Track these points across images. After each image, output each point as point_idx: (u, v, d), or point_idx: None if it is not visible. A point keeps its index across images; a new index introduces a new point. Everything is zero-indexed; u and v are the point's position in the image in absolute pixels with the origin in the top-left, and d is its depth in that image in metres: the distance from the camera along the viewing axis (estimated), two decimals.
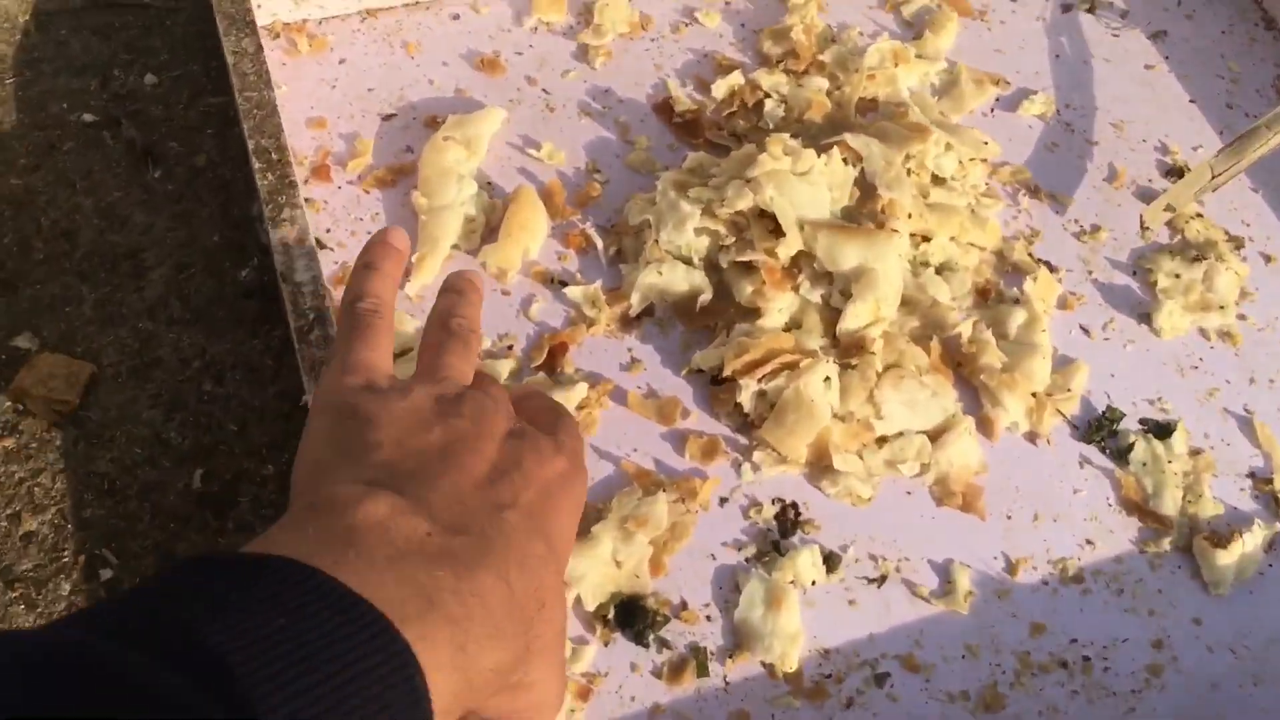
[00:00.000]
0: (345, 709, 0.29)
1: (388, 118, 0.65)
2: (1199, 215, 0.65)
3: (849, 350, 0.57)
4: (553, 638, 0.38)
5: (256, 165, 0.55)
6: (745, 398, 0.56)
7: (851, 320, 0.57)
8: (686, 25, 0.70)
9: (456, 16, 0.69)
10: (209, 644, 0.28)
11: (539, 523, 0.39)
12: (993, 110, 0.69)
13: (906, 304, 0.60)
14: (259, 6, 0.65)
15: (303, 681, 0.28)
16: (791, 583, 0.53)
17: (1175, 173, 0.67)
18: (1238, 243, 0.65)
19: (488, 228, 0.61)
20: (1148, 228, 0.63)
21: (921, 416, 0.57)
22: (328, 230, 0.60)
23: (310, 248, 0.53)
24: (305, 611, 0.30)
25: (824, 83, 0.67)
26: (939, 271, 0.62)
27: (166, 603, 0.29)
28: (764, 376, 0.56)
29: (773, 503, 0.55)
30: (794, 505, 0.55)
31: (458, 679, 0.32)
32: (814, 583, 0.53)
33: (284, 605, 0.30)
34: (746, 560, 0.54)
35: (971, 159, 0.64)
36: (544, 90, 0.67)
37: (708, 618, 0.52)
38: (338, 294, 0.58)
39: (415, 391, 0.41)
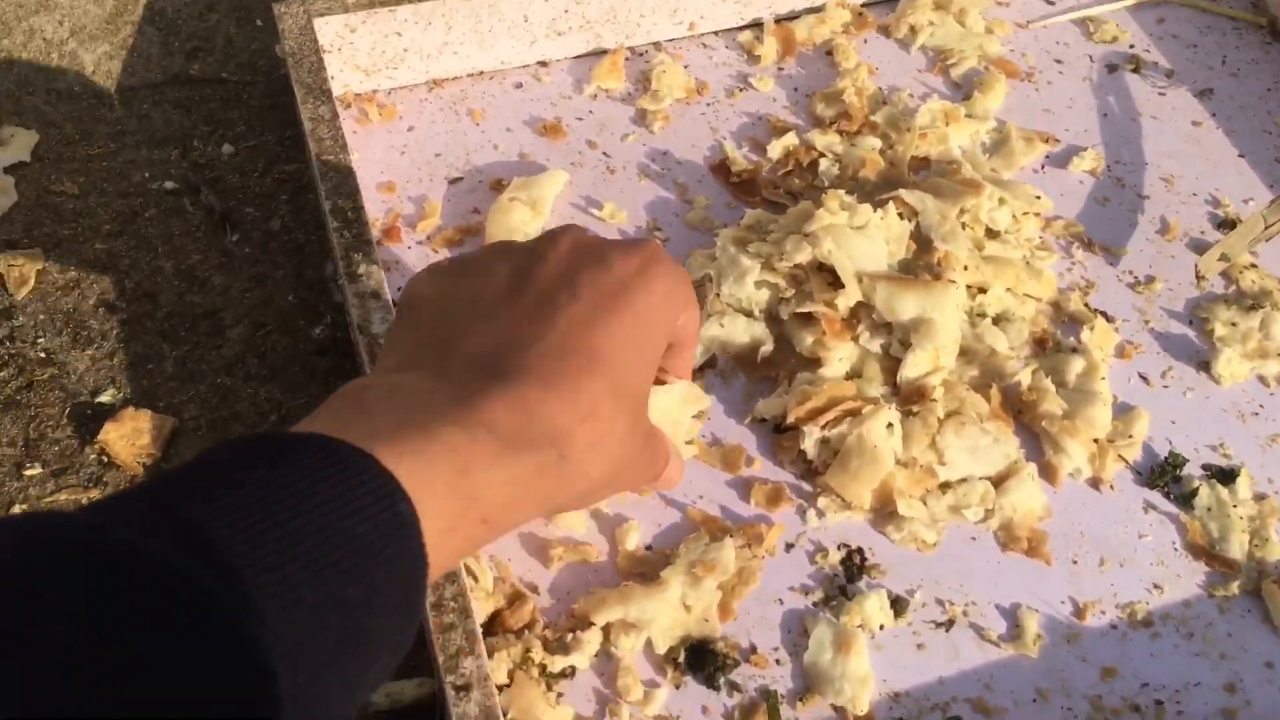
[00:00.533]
0: (318, 542, 0.31)
1: (454, 181, 0.67)
2: (1253, 265, 0.66)
3: (910, 398, 0.58)
4: (612, 438, 0.41)
5: (333, 224, 0.57)
6: (809, 444, 0.57)
7: (912, 369, 0.58)
8: (741, 90, 0.73)
9: (519, 85, 0.72)
10: (185, 510, 0.30)
11: (583, 337, 0.41)
12: (1043, 167, 0.71)
13: (965, 354, 0.61)
14: (333, 79, 0.68)
15: (283, 520, 0.31)
16: (860, 626, 0.53)
17: (1227, 224, 0.68)
18: None
19: None
20: (1203, 276, 0.64)
21: (984, 462, 0.57)
22: (399, 290, 0.62)
23: (385, 301, 0.55)
24: (290, 464, 0.32)
25: (877, 142, 0.69)
26: (996, 322, 0.63)
27: (161, 487, 0.32)
28: (827, 424, 0.57)
29: (838, 548, 0.56)
30: (859, 550, 0.56)
31: (456, 500, 0.36)
32: (882, 627, 0.54)
33: (271, 464, 0.32)
34: (814, 604, 0.54)
35: (1025, 213, 0.66)
36: (604, 153, 0.69)
37: (777, 661, 0.53)
38: None
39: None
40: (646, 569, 0.54)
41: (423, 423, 0.37)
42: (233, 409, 0.60)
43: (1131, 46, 0.77)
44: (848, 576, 0.55)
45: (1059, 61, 0.76)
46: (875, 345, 0.60)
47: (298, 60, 0.64)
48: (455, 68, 0.71)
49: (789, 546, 0.56)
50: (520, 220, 0.64)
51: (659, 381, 0.50)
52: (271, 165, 0.70)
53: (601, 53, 0.73)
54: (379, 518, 0.33)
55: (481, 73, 0.72)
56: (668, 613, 0.52)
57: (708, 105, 0.72)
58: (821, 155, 0.69)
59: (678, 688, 0.52)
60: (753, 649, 0.53)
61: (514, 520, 0.40)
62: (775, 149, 0.69)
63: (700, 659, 0.52)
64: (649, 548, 0.55)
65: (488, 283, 0.44)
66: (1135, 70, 0.76)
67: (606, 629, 0.52)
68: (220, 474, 0.32)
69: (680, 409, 0.53)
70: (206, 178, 0.68)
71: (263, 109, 0.72)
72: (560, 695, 0.51)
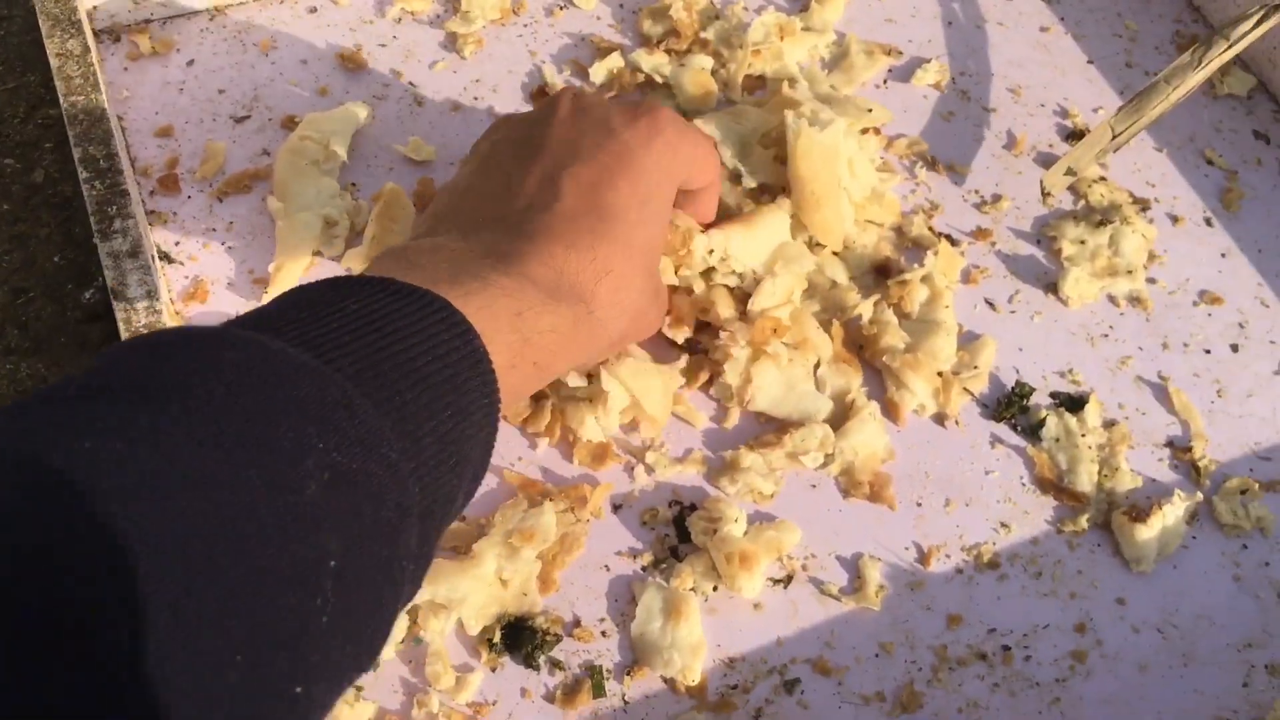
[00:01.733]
0: (415, 367, 0.35)
1: (241, 120, 0.60)
2: (1102, 179, 0.63)
3: (762, 333, 0.53)
4: (628, 294, 0.45)
5: (83, 175, 0.51)
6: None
7: (767, 298, 0.54)
8: (562, 9, 0.67)
9: (314, 10, 0.65)
10: (304, 324, 0.34)
11: (590, 198, 0.44)
12: (886, 82, 0.66)
13: (807, 287, 0.57)
14: (94, 8, 0.61)
15: (375, 345, 0.34)
16: (692, 589, 0.49)
17: (1076, 136, 0.65)
18: (1144, 204, 0.62)
19: (352, 232, 0.57)
20: (1049, 194, 0.60)
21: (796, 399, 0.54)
22: (177, 244, 0.56)
23: (145, 261, 0.49)
24: (374, 300, 0.36)
25: (708, 61, 0.64)
26: (835, 252, 0.58)
27: (280, 309, 0.36)
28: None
29: (670, 505, 0.52)
30: (692, 506, 0.52)
31: (516, 338, 0.39)
32: (715, 588, 0.50)
33: (358, 297, 0.36)
34: (643, 569, 0.50)
35: (863, 130, 0.61)
36: (410, 83, 0.63)
37: (603, 634, 0.48)
38: (189, 311, 0.54)
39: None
40: (458, 542, 0.50)
41: (475, 271, 0.40)
42: None
43: None
44: (679, 536, 0.51)
45: None
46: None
47: None
48: None
49: (616, 508, 0.51)
50: (312, 160, 0.57)
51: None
52: (34, 110, 0.62)
53: None
54: (459, 351, 0.36)
55: None
56: (481, 589, 0.48)
57: (525, 26, 0.66)
58: (649, 77, 0.64)
59: (494, 670, 0.47)
60: (576, 622, 0.49)
61: (556, 368, 0.43)
62: (598, 72, 0.63)
63: (517, 637, 0.48)
64: (461, 518, 0.51)
65: (495, 155, 0.47)
66: None
67: (413, 612, 0.47)
68: (312, 308, 0.35)
69: (663, 389, 0.52)
70: None
71: (23, 46, 0.64)
72: (359, 690, 0.46)
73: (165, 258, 0.55)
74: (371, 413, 0.32)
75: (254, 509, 0.28)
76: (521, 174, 0.45)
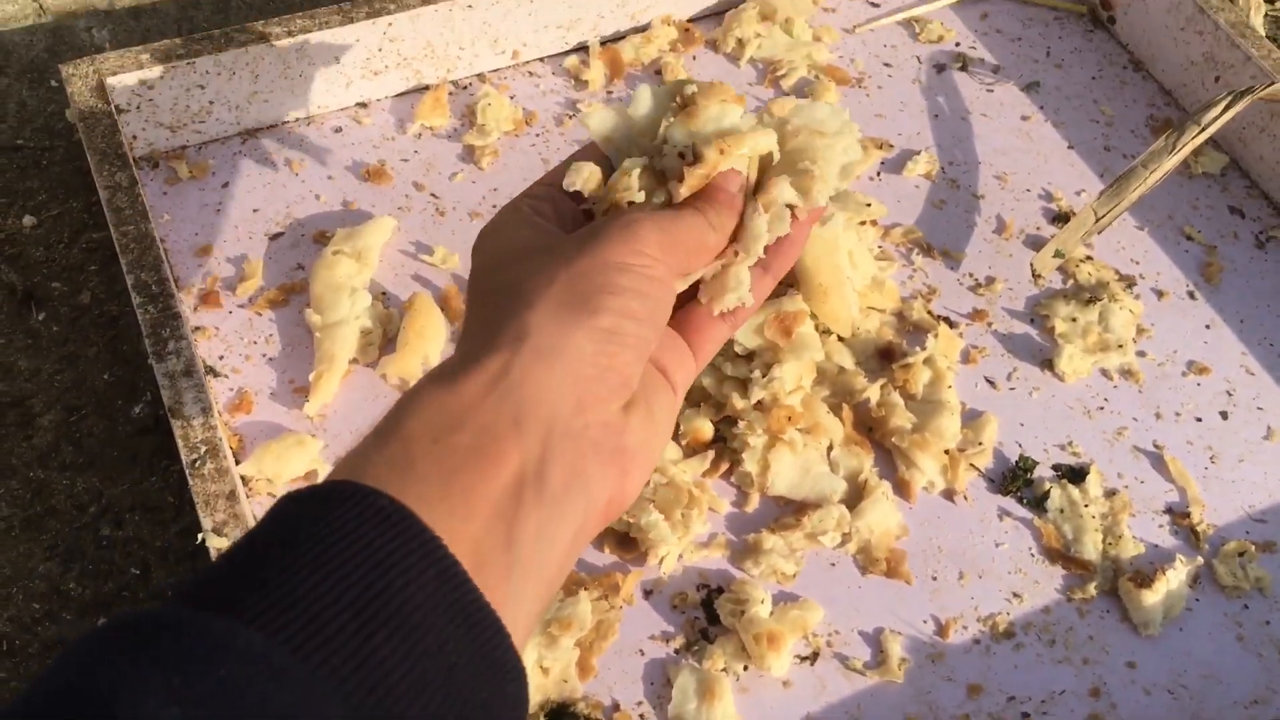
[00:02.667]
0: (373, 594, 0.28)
1: (275, 237, 0.64)
2: (1089, 258, 0.67)
3: (778, 421, 0.57)
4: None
5: (137, 300, 0.54)
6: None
7: (779, 384, 0.57)
8: (570, 117, 0.71)
9: (339, 129, 0.69)
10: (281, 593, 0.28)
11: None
12: (879, 174, 0.70)
13: (816, 373, 0.60)
14: (134, 138, 0.65)
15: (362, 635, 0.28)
16: (723, 670, 0.52)
17: (1061, 218, 0.68)
18: (1129, 281, 0.66)
19: (385, 339, 0.60)
20: (1039, 275, 0.64)
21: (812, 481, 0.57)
22: (220, 358, 0.59)
23: (199, 379, 0.52)
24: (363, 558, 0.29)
25: None
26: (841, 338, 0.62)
27: (260, 559, 0.29)
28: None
29: (698, 589, 0.54)
30: (719, 589, 0.54)
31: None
32: (746, 668, 0.52)
33: (349, 543, 0.29)
34: (676, 651, 0.53)
35: (861, 223, 0.65)
36: (433, 194, 0.67)
37: (641, 716, 0.51)
38: (235, 421, 0.57)
39: None
40: None
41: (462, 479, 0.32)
42: (48, 503, 0.56)
43: (957, 45, 0.77)
44: (709, 618, 0.54)
45: (888, 65, 0.75)
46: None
47: (90, 124, 0.60)
48: (268, 116, 0.67)
49: (647, 593, 0.54)
50: (345, 274, 0.61)
51: None
52: (78, 235, 0.65)
53: (423, 89, 0.71)
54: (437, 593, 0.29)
55: (297, 119, 0.69)
56: None
57: (537, 136, 0.70)
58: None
59: None
60: (615, 706, 0.51)
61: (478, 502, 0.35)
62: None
63: None
64: None
65: None
66: (963, 68, 0.76)
67: None
68: (296, 558, 0.29)
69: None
70: (6, 254, 0.64)
71: (65, 175, 0.68)
72: None
73: (211, 371, 0.58)
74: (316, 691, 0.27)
75: None
76: None
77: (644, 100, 0.43)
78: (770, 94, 0.73)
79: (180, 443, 0.50)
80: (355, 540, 0.29)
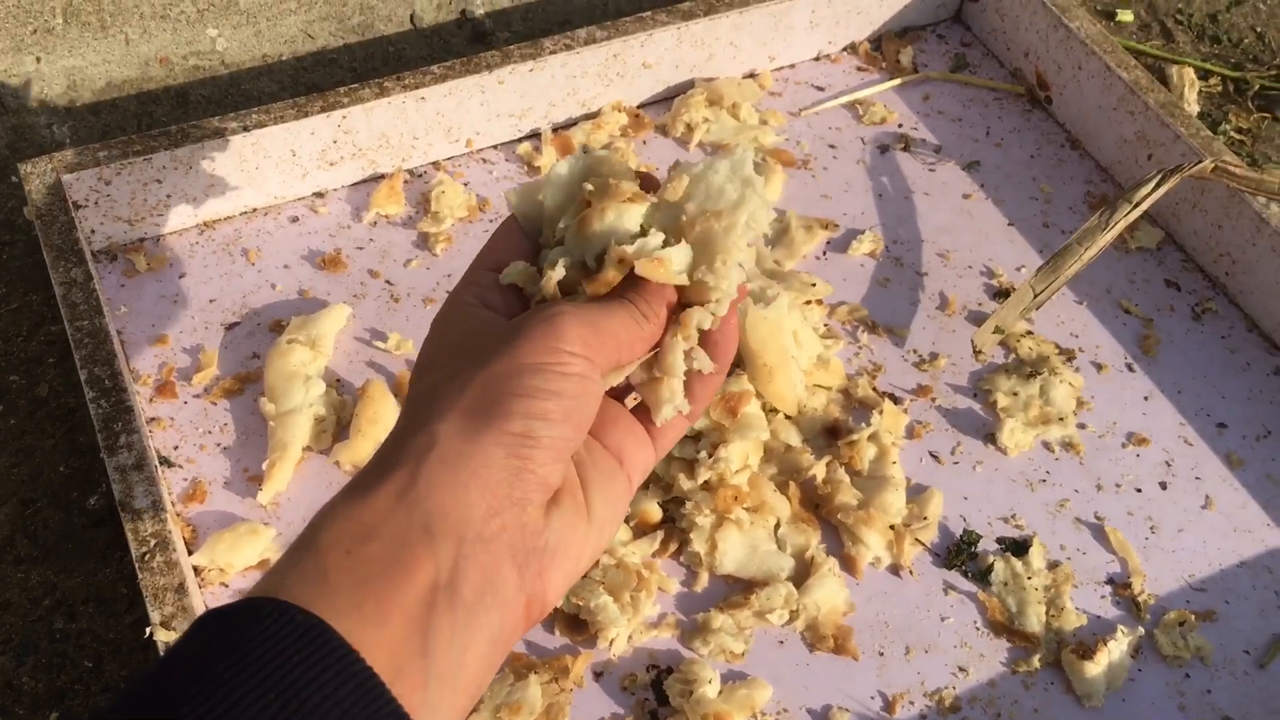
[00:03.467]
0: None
1: (231, 326, 0.65)
2: (1029, 333, 0.68)
3: (724, 501, 0.58)
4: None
5: (90, 394, 0.55)
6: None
7: (726, 463, 0.58)
8: None
9: (295, 219, 0.70)
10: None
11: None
12: (825, 253, 0.72)
13: (763, 451, 0.61)
14: (93, 232, 0.66)
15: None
16: None
17: (1002, 294, 0.70)
18: (1069, 355, 0.68)
19: (339, 426, 0.61)
20: (980, 351, 0.65)
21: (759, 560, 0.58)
22: (175, 447, 0.60)
23: (150, 473, 0.53)
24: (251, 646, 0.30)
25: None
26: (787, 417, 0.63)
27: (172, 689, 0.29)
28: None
29: (647, 670, 0.55)
30: (669, 669, 0.55)
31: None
32: None
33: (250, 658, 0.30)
34: None
35: (806, 302, 0.67)
36: (387, 281, 0.68)
37: None
38: (188, 511, 0.58)
39: None
40: None
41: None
42: (2, 597, 0.56)
43: (900, 126, 0.79)
44: (658, 699, 0.54)
45: (833, 147, 0.78)
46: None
47: (47, 221, 0.61)
48: (225, 208, 0.69)
49: (597, 675, 0.55)
50: (300, 362, 0.62)
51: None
52: (37, 328, 0.66)
53: (379, 177, 0.72)
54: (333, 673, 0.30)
55: (254, 209, 0.70)
56: None
57: (490, 222, 0.72)
58: None
59: None
60: None
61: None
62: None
63: None
64: None
65: None
66: (905, 149, 0.78)
67: None
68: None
69: None
70: None
71: (25, 268, 0.69)
72: None
73: (165, 462, 0.59)
74: None
75: None
76: None
77: (557, 182, 0.42)
78: None
79: (130, 536, 0.51)
80: (274, 655, 0.29)
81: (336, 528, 0.33)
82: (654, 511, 0.59)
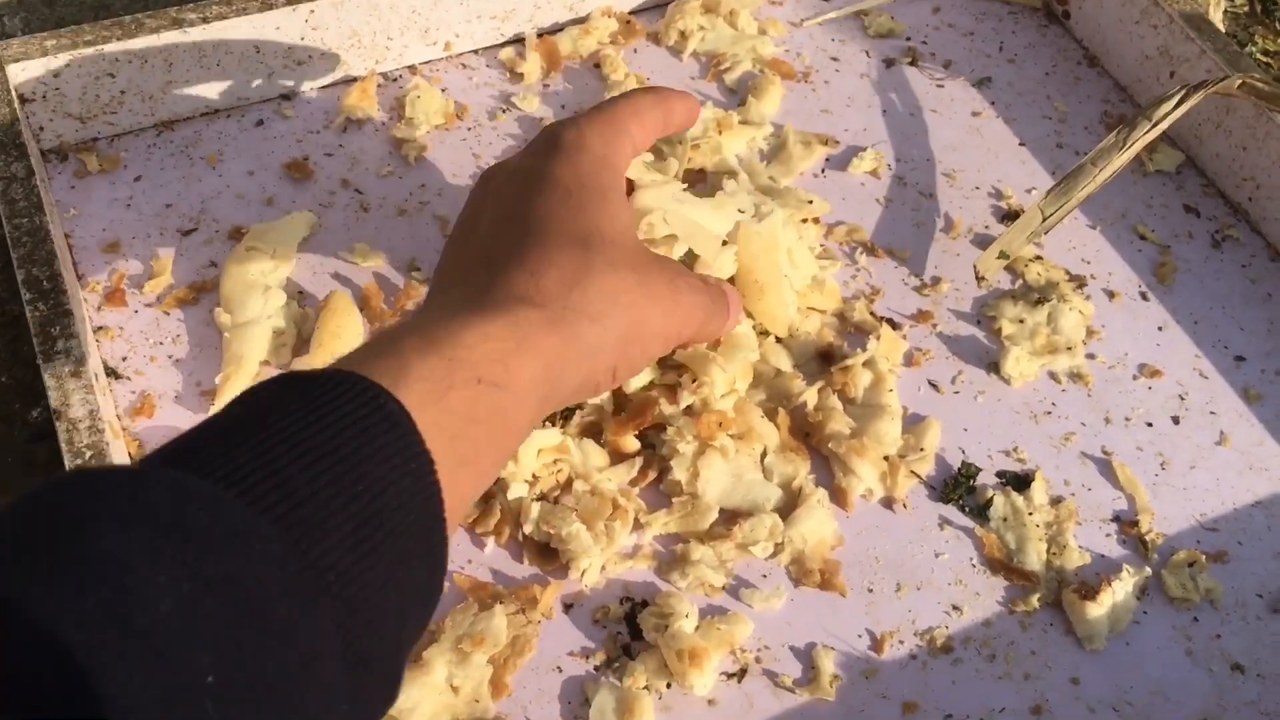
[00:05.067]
0: (305, 443, 0.32)
1: (188, 233, 0.61)
2: (1038, 258, 0.64)
3: (708, 426, 0.54)
4: (577, 287, 0.42)
5: (27, 296, 0.51)
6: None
7: (704, 389, 0.55)
8: (504, 111, 0.68)
9: (260, 122, 0.66)
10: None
11: (515, 216, 0.44)
12: (824, 171, 0.68)
13: (752, 376, 0.58)
14: (41, 129, 0.62)
15: (255, 436, 0.31)
16: (645, 688, 0.49)
17: (1010, 217, 0.66)
18: (1080, 281, 0.64)
19: (300, 339, 0.58)
20: (982, 277, 0.61)
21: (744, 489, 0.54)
22: (124, 359, 0.56)
23: (88, 381, 0.49)
24: (262, 390, 0.34)
25: (649, 157, 0.65)
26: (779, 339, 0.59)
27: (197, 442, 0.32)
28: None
29: (621, 602, 0.52)
30: (644, 603, 0.52)
31: (434, 359, 0.37)
32: (669, 685, 0.49)
33: (252, 392, 0.34)
34: (596, 669, 0.50)
35: (803, 220, 0.63)
36: (357, 190, 0.64)
37: None
38: (135, 426, 0.54)
39: None
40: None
41: (388, 333, 0.39)
42: None
43: (908, 39, 0.75)
44: (631, 633, 0.51)
45: (835, 60, 0.73)
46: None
47: None
48: (185, 107, 0.65)
49: (568, 607, 0.51)
50: (259, 271, 0.58)
51: None
52: None
53: (351, 80, 0.68)
54: (363, 417, 0.33)
55: (216, 110, 0.66)
56: (432, 698, 0.48)
57: (469, 130, 0.67)
58: None
59: None
60: None
61: (524, 376, 0.39)
62: None
63: None
64: None
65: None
66: (913, 63, 0.73)
67: None
68: (230, 431, 0.32)
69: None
70: None
71: None
72: None
73: (112, 374, 0.55)
74: (237, 508, 0.30)
75: (93, 639, 0.26)
76: (451, 243, 0.48)
77: None
78: (713, 88, 0.71)
79: (64, 448, 0.47)
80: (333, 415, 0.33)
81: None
82: (630, 442, 0.55)
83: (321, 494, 0.31)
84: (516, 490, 0.53)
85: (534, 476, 0.53)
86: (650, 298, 0.44)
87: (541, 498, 0.53)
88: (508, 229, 0.43)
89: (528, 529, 0.52)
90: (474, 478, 0.38)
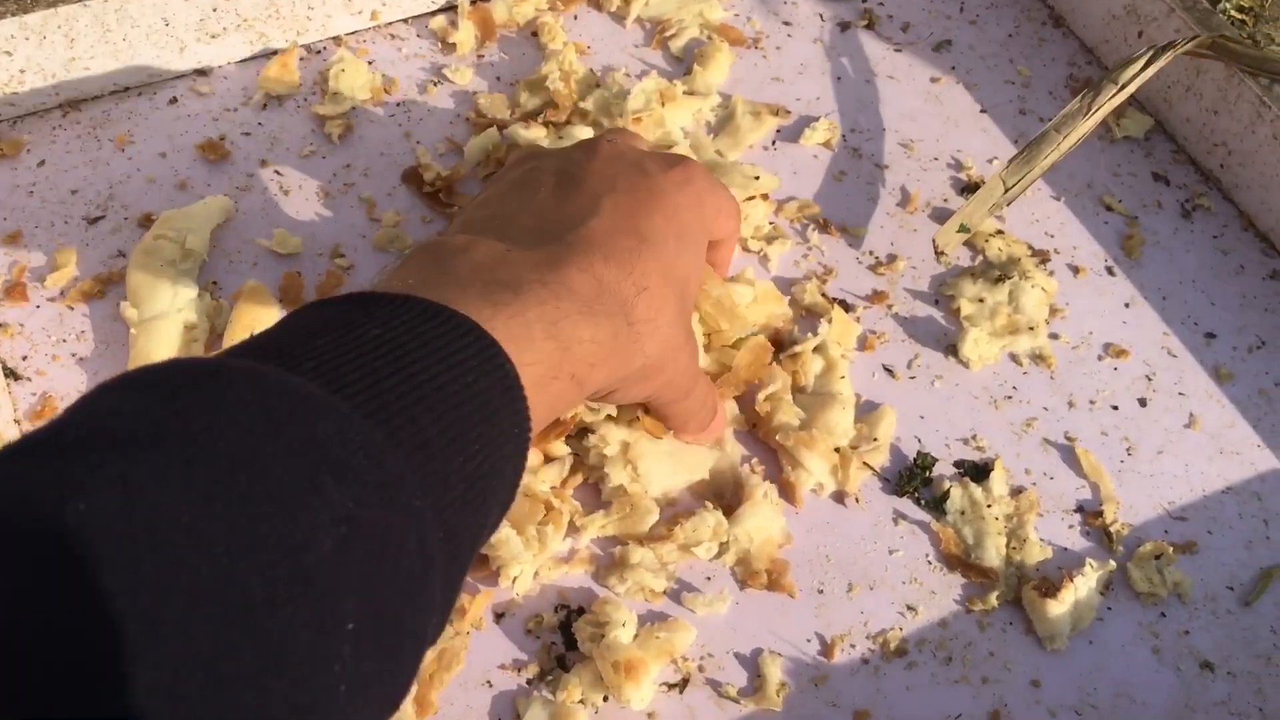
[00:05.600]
0: (442, 398, 0.33)
1: (95, 221, 0.57)
2: (999, 232, 0.61)
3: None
4: (664, 316, 0.43)
5: None
6: None
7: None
8: (435, 84, 0.64)
9: (174, 100, 0.62)
10: (319, 352, 0.32)
11: (629, 221, 0.44)
12: (774, 143, 0.64)
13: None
14: None
15: (397, 376, 0.32)
16: (580, 702, 0.46)
17: (971, 189, 0.63)
18: (1043, 257, 0.61)
19: (213, 334, 0.54)
20: (942, 252, 0.58)
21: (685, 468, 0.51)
22: (24, 358, 0.53)
23: None
24: (395, 323, 0.34)
25: (588, 131, 0.62)
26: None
27: (289, 334, 0.34)
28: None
29: (556, 610, 0.49)
30: (580, 610, 0.49)
31: (553, 346, 0.38)
32: (606, 699, 0.47)
33: (379, 320, 0.34)
34: (528, 682, 0.47)
35: (749, 197, 0.59)
36: (277, 172, 0.60)
37: None
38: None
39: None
40: None
41: (507, 280, 0.38)
42: None
43: (864, 1, 0.71)
44: (566, 644, 0.48)
45: (787, 24, 0.69)
46: None
47: None
48: (91, 86, 0.61)
49: (499, 616, 0.48)
50: (168, 261, 0.54)
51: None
52: None
53: (271, 54, 0.64)
54: (489, 376, 0.35)
55: (126, 89, 0.62)
56: None
57: (397, 106, 0.63)
58: None
59: None
60: None
61: (596, 381, 0.41)
62: (472, 150, 0.61)
63: None
64: None
65: (529, 180, 0.46)
66: (869, 26, 0.70)
67: None
68: (327, 332, 0.33)
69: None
70: None
71: None
72: None
73: (12, 374, 0.52)
74: (393, 454, 0.31)
75: (265, 572, 0.26)
76: (558, 197, 0.45)
77: None
78: (658, 56, 0.67)
79: None
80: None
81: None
82: (558, 447, 0.51)
83: (449, 448, 0.32)
84: None
85: None
86: (677, 362, 0.45)
87: None
88: (630, 232, 0.43)
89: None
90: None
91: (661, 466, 0.51)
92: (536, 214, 0.44)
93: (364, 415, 0.31)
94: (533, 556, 0.49)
